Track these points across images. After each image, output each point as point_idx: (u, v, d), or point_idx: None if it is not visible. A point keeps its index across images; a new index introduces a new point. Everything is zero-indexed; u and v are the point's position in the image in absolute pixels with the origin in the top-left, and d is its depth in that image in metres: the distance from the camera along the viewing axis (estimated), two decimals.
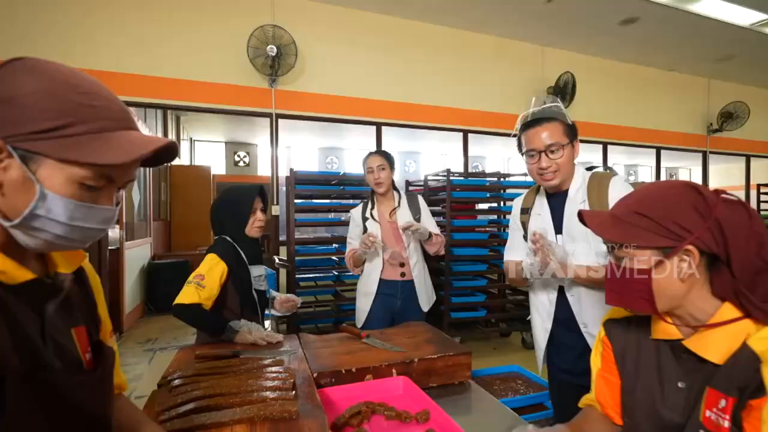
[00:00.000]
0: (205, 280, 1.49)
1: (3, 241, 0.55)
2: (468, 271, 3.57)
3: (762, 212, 6.74)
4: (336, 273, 3.50)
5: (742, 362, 0.66)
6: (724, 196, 0.73)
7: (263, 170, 10.26)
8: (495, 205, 3.89)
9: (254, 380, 1.00)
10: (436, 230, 2.12)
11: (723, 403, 0.66)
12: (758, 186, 6.79)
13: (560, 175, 1.32)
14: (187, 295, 1.46)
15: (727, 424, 0.65)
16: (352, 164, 10.92)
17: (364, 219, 2.12)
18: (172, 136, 6.93)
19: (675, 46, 5.51)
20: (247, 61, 3.94)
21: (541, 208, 1.40)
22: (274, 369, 1.10)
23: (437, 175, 3.73)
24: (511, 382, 1.66)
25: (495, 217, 3.85)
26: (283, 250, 4.21)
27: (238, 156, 10.41)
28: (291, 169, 3.13)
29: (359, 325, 2.11)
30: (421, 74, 4.85)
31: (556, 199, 1.37)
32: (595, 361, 0.92)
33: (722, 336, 0.70)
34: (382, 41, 4.65)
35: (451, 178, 3.42)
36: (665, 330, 0.78)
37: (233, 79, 4.08)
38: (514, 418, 1.08)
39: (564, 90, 5.35)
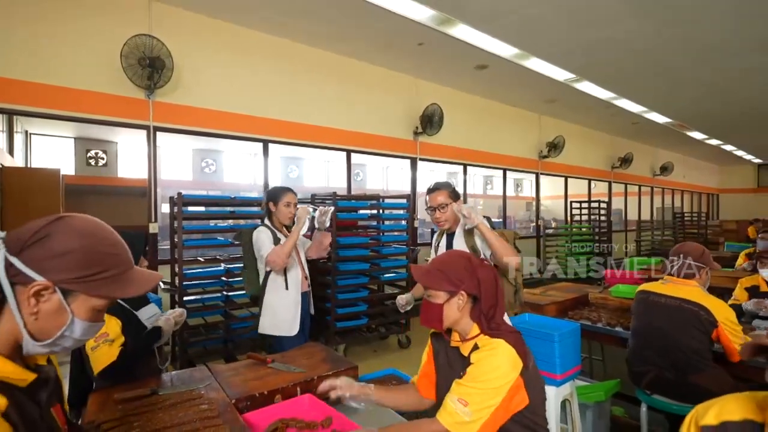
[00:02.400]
0: (111, 336, 1.47)
1: (10, 352, 0.70)
2: (351, 284, 3.96)
3: (575, 218, 8.74)
4: (225, 293, 3.53)
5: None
6: (485, 261, 1.29)
7: (125, 172, 9.19)
8: (375, 223, 4.36)
9: (183, 413, 1.19)
10: None
11: None
12: (571, 201, 8.78)
13: (448, 223, 2.07)
14: (103, 356, 1.43)
15: None
16: (231, 170, 10.48)
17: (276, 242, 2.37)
18: (0, 129, 5.86)
19: (516, 89, 6.82)
20: (120, 69, 3.69)
21: (443, 241, 2.16)
22: (196, 401, 1.29)
23: (324, 198, 4.05)
24: (387, 383, 2.07)
25: (375, 233, 4.33)
26: (163, 269, 4.04)
27: (92, 154, 9.13)
28: (179, 192, 3.09)
29: (283, 333, 2.34)
30: (308, 95, 5.10)
31: (450, 237, 2.14)
32: (423, 357, 1.42)
33: (471, 344, 1.21)
34: (269, 61, 4.76)
35: (337, 200, 3.77)
36: (454, 340, 1.28)
37: (104, 87, 3.77)
38: (388, 411, 1.46)
39: (431, 118, 6.16)
